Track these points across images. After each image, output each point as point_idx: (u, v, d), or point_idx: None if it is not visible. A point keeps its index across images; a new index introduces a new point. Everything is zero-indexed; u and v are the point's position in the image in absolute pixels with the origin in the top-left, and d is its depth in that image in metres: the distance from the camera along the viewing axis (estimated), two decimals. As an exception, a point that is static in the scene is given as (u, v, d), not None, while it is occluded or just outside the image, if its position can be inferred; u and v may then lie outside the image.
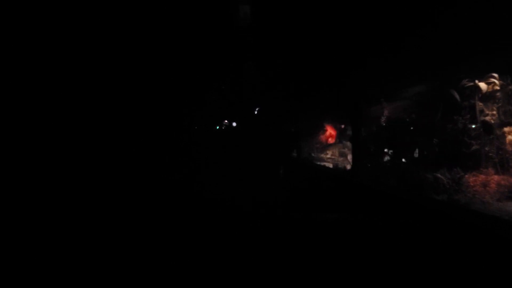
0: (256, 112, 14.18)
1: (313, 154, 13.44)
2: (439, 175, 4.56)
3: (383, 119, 7.38)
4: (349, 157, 12.59)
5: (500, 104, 4.89)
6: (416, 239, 2.97)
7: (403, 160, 5.99)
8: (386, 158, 6.47)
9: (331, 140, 15.98)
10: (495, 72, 4.86)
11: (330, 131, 16.45)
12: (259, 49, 9.93)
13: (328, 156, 13.33)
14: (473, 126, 4.81)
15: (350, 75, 5.68)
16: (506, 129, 4.80)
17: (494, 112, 4.94)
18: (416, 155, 5.84)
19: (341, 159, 12.40)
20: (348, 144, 13.51)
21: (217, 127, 14.55)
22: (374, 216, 3.86)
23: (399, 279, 2.60)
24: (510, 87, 4.87)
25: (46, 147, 6.06)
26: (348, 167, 8.57)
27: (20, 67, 5.93)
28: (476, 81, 4.99)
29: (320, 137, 16.00)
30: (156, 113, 9.38)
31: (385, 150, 6.31)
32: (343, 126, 15.42)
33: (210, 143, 11.89)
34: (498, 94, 4.89)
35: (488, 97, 4.92)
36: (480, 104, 5.01)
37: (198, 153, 10.39)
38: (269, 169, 9.94)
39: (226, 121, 14.69)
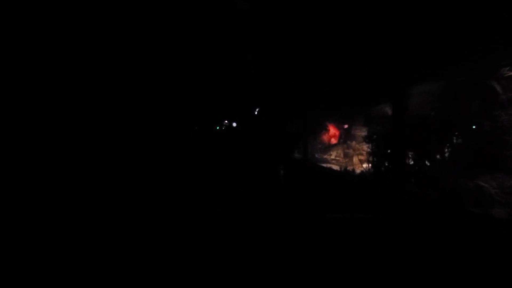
0: (256, 113, 13.32)
1: (316, 155, 12.56)
2: (482, 183, 3.68)
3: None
4: (355, 158, 11.77)
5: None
6: (418, 239, 2.88)
7: (427, 163, 5.09)
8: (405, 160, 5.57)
9: (334, 141, 15.21)
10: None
11: (333, 131, 15.67)
12: (260, 37, 9.11)
13: (332, 157, 12.49)
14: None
15: (389, 52, 4.74)
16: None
17: (538, 107, 4.04)
18: (438, 156, 4.93)
19: (346, 160, 11.55)
20: (353, 144, 12.67)
21: (217, 127, 13.64)
22: (374, 216, 3.75)
23: (399, 280, 2.50)
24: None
25: (45, 146, 5.96)
26: (358, 170, 7.64)
27: (20, 67, 5.87)
28: (518, 71, 4.11)
29: (322, 137, 15.24)
30: (156, 112, 9.08)
31: (403, 151, 5.40)
32: (346, 126, 14.64)
33: (210, 143, 11.50)
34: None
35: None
36: (521, 97, 4.11)
37: (198, 152, 10.11)
38: (270, 170, 9.56)
39: (226, 121, 14.06)
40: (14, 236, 3.58)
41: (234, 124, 13.52)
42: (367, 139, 6.84)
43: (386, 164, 5.24)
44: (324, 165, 10.80)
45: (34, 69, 6.04)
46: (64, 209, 4.57)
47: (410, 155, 5.33)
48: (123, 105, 7.80)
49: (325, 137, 15.51)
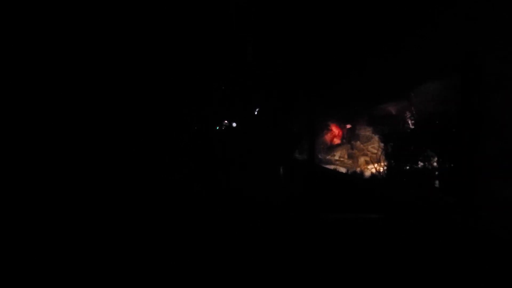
0: (256, 113, 12.86)
1: (320, 156, 11.97)
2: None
3: (408, 114, 5.95)
4: (360, 159, 11.21)
5: None
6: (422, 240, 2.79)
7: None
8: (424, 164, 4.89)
9: (336, 141, 14.66)
10: None
11: (335, 130, 15.14)
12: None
13: (336, 158, 11.93)
14: None
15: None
16: None
17: None
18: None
19: (350, 161, 10.99)
20: (358, 144, 12.11)
21: (217, 128, 12.96)
22: (375, 215, 3.59)
23: (401, 280, 2.44)
24: None
25: (45, 146, 5.87)
26: (368, 173, 6.91)
27: (20, 67, 5.78)
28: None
29: (324, 137, 14.71)
30: (155, 112, 9.09)
31: (427, 153, 4.70)
32: (349, 125, 14.10)
33: (210, 143, 11.29)
34: None
35: None
36: None
37: (198, 152, 10.01)
38: (270, 170, 9.40)
39: (226, 121, 13.75)
40: (14, 235, 3.53)
41: (234, 124, 13.03)
42: (389, 137, 5.87)
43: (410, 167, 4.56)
44: (329, 166, 10.22)
45: (34, 70, 5.90)
46: (64, 209, 4.48)
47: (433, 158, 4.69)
48: (123, 105, 7.67)
49: (327, 137, 15.02)
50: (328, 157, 12.38)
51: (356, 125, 12.57)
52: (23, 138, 5.57)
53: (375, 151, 11.62)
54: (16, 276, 2.76)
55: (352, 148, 11.99)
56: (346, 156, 11.88)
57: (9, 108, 5.50)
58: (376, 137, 11.60)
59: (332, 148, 13.33)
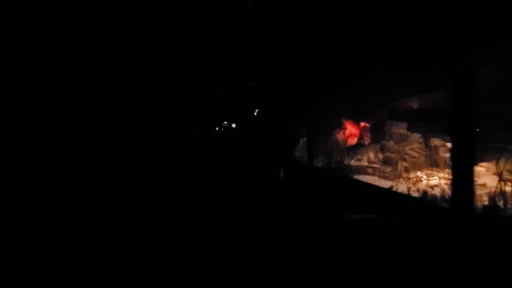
0: (256, 114, 12.53)
1: (345, 162, 9.14)
2: None
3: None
4: (401, 165, 8.40)
5: None
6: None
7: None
8: None
9: (351, 141, 12.06)
10: None
11: (351, 129, 12.53)
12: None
13: (364, 163, 9.11)
14: None
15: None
16: None
17: None
18: None
19: (388, 169, 8.10)
20: (391, 145, 9.26)
21: (216, 129, 12.70)
22: (376, 215, 3.33)
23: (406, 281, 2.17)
24: None
25: (47, 148, 5.68)
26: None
27: (20, 67, 5.50)
28: None
29: (337, 136, 12.22)
30: (156, 114, 8.42)
31: None
32: (366, 123, 11.51)
33: (209, 145, 10.99)
34: None
35: None
36: None
37: (197, 152, 9.60)
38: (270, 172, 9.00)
39: (225, 122, 11.75)
40: (13, 235, 3.38)
41: (234, 125, 11.17)
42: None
43: None
44: (360, 177, 7.39)
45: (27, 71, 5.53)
46: (63, 208, 4.25)
47: None
48: (125, 107, 7.51)
49: (340, 136, 12.53)
50: (352, 161, 9.56)
51: (386, 122, 9.75)
52: (21, 139, 5.35)
53: (415, 154, 8.84)
54: (15, 276, 2.57)
55: (383, 150, 9.16)
56: (376, 160, 9.03)
57: (10, 109, 5.29)
58: (414, 136, 8.81)
59: (354, 150, 10.51)
